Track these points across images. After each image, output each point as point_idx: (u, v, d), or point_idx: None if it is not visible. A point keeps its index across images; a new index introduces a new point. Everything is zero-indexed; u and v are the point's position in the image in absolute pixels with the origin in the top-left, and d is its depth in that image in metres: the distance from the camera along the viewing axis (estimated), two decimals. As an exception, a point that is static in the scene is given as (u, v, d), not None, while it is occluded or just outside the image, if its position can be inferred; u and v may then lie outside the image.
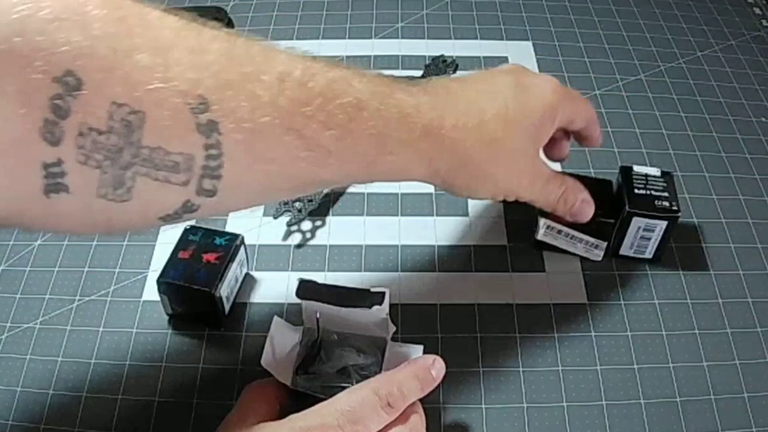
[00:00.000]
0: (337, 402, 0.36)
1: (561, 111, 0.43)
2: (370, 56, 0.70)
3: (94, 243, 0.53)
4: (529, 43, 0.71)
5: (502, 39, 0.72)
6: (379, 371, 0.40)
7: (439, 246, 0.54)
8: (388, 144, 0.36)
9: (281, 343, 0.41)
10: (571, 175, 0.48)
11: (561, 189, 0.45)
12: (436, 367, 0.38)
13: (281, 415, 0.36)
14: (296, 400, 0.38)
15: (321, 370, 0.40)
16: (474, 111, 0.39)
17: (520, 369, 0.46)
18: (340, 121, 0.33)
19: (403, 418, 0.37)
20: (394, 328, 0.42)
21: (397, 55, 0.70)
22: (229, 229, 0.52)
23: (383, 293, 0.39)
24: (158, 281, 0.46)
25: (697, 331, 0.48)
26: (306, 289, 0.40)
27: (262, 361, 0.40)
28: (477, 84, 0.41)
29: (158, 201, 0.31)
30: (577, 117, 0.46)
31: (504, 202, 0.56)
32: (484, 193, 0.42)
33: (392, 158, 0.37)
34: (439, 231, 0.55)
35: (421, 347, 0.41)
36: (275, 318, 0.42)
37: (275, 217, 0.54)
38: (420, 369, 0.38)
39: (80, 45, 0.27)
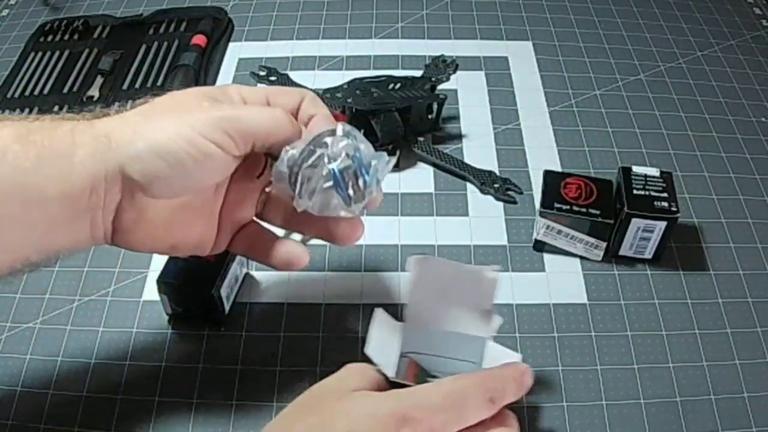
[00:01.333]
0: (443, 385, 0.35)
1: None
2: (370, 56, 0.70)
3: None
4: (529, 43, 0.71)
5: (502, 39, 0.72)
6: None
7: (439, 246, 0.54)
8: None
9: (383, 335, 0.40)
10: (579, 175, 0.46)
11: None
12: (529, 374, 0.37)
13: None
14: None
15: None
16: None
17: (520, 369, 0.46)
18: None
19: (500, 420, 0.36)
20: (501, 321, 0.40)
21: (397, 55, 0.70)
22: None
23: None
24: (158, 281, 0.46)
25: (697, 331, 0.48)
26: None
27: (367, 350, 0.39)
28: None
29: None
30: None
31: (504, 201, 0.56)
32: None
33: None
34: (439, 231, 0.55)
35: (519, 355, 0.41)
36: (377, 310, 0.41)
37: (275, 217, 0.54)
38: (518, 373, 0.37)
39: None
